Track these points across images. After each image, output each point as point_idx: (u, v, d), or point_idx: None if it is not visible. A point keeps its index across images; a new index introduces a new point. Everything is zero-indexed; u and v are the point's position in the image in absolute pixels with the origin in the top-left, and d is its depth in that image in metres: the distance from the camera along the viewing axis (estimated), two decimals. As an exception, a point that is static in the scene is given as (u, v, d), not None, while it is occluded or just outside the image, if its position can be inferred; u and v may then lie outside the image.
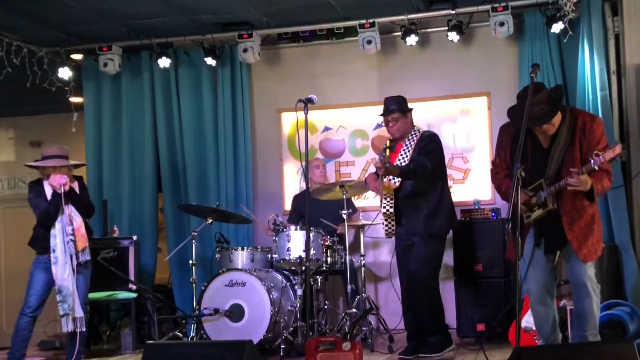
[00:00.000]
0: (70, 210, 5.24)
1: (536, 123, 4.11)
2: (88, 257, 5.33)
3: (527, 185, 4.13)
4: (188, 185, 7.34)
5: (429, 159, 5.25)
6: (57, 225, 5.19)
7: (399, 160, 5.35)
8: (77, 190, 5.34)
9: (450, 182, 6.92)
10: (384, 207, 5.38)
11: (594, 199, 4.13)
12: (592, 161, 3.96)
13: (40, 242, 5.26)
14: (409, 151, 5.36)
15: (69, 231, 5.22)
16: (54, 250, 5.18)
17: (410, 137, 5.42)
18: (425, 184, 5.30)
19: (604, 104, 6.14)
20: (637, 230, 6.18)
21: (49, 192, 5.27)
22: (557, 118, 4.17)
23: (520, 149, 3.85)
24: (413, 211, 5.33)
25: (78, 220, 5.28)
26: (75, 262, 5.23)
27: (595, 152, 3.98)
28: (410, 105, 7.04)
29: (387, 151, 5.34)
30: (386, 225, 5.44)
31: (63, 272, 5.18)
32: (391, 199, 5.37)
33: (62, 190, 5.15)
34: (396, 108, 5.44)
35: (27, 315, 5.28)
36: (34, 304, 5.27)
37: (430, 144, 5.35)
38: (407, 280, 5.40)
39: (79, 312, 5.23)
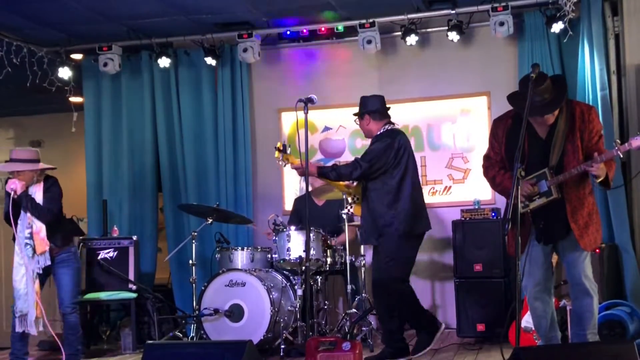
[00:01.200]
0: (29, 214, 5.19)
1: (538, 112, 4.10)
2: (48, 262, 5.25)
3: (525, 175, 4.13)
4: (188, 185, 7.34)
5: (364, 160, 5.17)
6: (18, 227, 5.19)
7: None
8: (41, 194, 5.25)
9: (450, 182, 6.99)
10: (346, 207, 5.47)
11: (609, 185, 4.18)
12: (616, 148, 4.01)
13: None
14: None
15: (26, 234, 5.19)
16: (16, 253, 5.19)
17: (377, 134, 5.38)
18: (376, 185, 5.20)
19: (604, 104, 6.13)
20: (637, 230, 6.18)
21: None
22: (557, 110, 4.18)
23: (520, 149, 3.86)
24: (366, 211, 5.27)
25: (38, 223, 5.22)
26: (35, 266, 5.19)
27: (616, 140, 4.02)
28: (410, 105, 7.15)
29: (277, 152, 5.17)
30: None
31: (16, 274, 5.19)
32: (357, 199, 5.36)
33: (12, 196, 5.11)
34: (359, 111, 5.44)
35: (15, 317, 5.25)
36: (17, 305, 5.24)
37: (373, 145, 5.26)
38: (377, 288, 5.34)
39: (32, 315, 5.20)
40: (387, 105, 5.48)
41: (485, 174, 4.49)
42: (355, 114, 5.48)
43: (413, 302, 5.32)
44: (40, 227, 5.22)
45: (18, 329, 5.24)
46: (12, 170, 5.22)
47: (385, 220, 5.17)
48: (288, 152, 5.18)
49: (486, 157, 4.49)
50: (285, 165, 5.34)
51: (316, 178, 6.47)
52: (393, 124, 5.43)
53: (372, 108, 5.39)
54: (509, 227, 3.90)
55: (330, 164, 5.75)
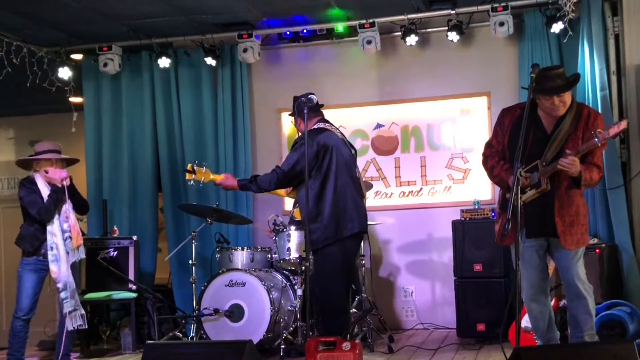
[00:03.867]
0: (65, 207, 5.20)
1: (551, 92, 4.10)
2: (83, 255, 5.29)
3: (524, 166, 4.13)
4: (188, 185, 7.30)
5: (281, 167, 5.01)
6: (55, 222, 5.15)
7: None
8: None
9: (450, 182, 6.99)
10: (290, 212, 5.32)
11: (580, 186, 4.15)
12: (596, 138, 4.00)
13: (31, 241, 5.19)
14: None
15: (65, 228, 5.18)
16: (51, 248, 5.13)
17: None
18: (304, 189, 4.93)
19: (604, 104, 6.14)
20: (637, 230, 6.19)
21: (43, 188, 5.20)
22: (568, 100, 4.19)
23: (521, 148, 3.89)
24: (303, 216, 5.11)
25: (72, 217, 5.24)
26: (72, 259, 5.21)
27: (598, 130, 4.02)
28: (410, 105, 7.15)
29: (187, 174, 4.99)
30: None
31: (67, 269, 5.15)
32: (297, 204, 5.25)
33: (65, 185, 5.11)
34: (292, 110, 5.20)
35: (21, 318, 5.21)
36: (28, 306, 5.21)
37: (293, 148, 5.04)
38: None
39: (82, 309, 5.24)
40: (321, 103, 5.23)
41: (484, 162, 4.47)
42: (289, 115, 5.30)
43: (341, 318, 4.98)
44: (75, 221, 5.25)
45: (72, 326, 5.18)
46: (45, 159, 5.20)
47: (313, 226, 4.93)
48: (204, 169, 5.03)
49: (488, 145, 4.47)
50: (201, 184, 5.21)
51: None
52: (326, 122, 5.20)
53: (298, 109, 5.11)
54: (509, 227, 3.90)
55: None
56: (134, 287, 6.45)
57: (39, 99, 8.30)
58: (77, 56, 7.55)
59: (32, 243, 5.20)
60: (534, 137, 4.21)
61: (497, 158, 4.37)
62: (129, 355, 6.23)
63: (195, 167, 5.18)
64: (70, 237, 5.20)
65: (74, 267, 5.30)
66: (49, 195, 5.16)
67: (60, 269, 5.14)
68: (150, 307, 6.55)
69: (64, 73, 7.20)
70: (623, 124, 4.02)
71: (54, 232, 5.15)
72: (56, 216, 5.17)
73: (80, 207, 5.29)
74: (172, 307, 7.02)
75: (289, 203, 7.21)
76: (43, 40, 7.13)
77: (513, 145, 4.17)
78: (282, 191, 5.34)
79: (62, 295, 5.15)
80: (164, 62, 7.17)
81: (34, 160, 5.27)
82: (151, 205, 7.51)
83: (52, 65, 7.16)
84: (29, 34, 6.94)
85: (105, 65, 7.17)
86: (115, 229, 6.99)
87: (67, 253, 5.19)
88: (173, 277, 7.35)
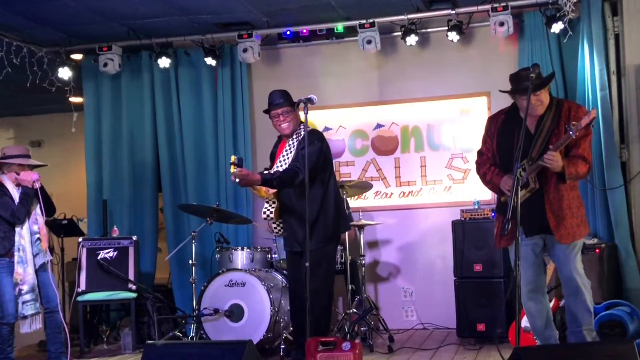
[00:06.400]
0: (35, 209, 5.22)
1: (527, 91, 4.14)
2: (50, 257, 5.31)
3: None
4: (188, 185, 7.34)
5: (304, 165, 4.81)
6: (24, 224, 5.16)
7: (282, 159, 5.10)
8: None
9: (450, 182, 6.99)
10: (264, 213, 5.13)
11: (565, 180, 4.18)
12: (570, 132, 4.04)
13: (4, 243, 5.15)
14: (291, 151, 5.09)
15: (35, 229, 5.20)
16: (18, 249, 5.13)
17: (295, 135, 5.12)
18: (303, 189, 4.85)
19: (604, 104, 6.14)
20: (637, 230, 6.18)
21: (12, 190, 5.20)
22: (545, 99, 4.26)
23: (520, 148, 3.91)
24: (295, 218, 5.05)
25: (41, 220, 5.26)
26: (40, 262, 5.21)
27: (572, 122, 4.06)
28: (410, 105, 7.16)
29: (232, 167, 4.78)
30: (275, 227, 5.22)
31: (32, 271, 5.16)
32: (273, 203, 5.08)
33: (38, 187, 5.13)
34: (284, 101, 5.06)
35: (9, 324, 5.16)
36: (14, 310, 5.14)
37: (310, 148, 4.89)
38: (300, 295, 4.92)
39: (40, 312, 5.23)
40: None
41: (477, 170, 4.60)
42: (288, 107, 5.06)
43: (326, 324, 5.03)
44: (43, 223, 5.27)
45: (33, 328, 5.19)
46: (15, 164, 5.23)
47: (316, 227, 4.90)
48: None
49: (479, 153, 4.60)
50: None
51: None
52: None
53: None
54: (509, 227, 3.92)
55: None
56: (134, 287, 6.45)
57: (39, 99, 8.31)
58: (77, 56, 7.55)
59: (5, 245, 5.15)
60: (519, 138, 4.23)
61: (488, 165, 4.49)
62: (129, 355, 6.23)
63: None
64: (40, 239, 5.22)
65: (44, 268, 5.31)
66: (21, 197, 5.17)
67: (25, 271, 5.14)
68: (150, 307, 6.54)
69: (64, 73, 7.21)
70: (592, 113, 4.07)
71: (22, 234, 5.16)
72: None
73: (49, 210, 5.30)
74: (172, 307, 7.02)
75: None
76: (43, 40, 7.13)
77: (501, 150, 4.34)
78: (262, 190, 5.20)
79: (27, 297, 5.14)
80: (164, 62, 7.17)
81: (5, 163, 5.26)
82: (151, 205, 7.51)
83: (52, 65, 7.16)
84: (29, 34, 6.94)
85: (105, 65, 7.17)
86: (115, 229, 6.98)
87: (37, 255, 5.21)
88: (173, 277, 7.36)
